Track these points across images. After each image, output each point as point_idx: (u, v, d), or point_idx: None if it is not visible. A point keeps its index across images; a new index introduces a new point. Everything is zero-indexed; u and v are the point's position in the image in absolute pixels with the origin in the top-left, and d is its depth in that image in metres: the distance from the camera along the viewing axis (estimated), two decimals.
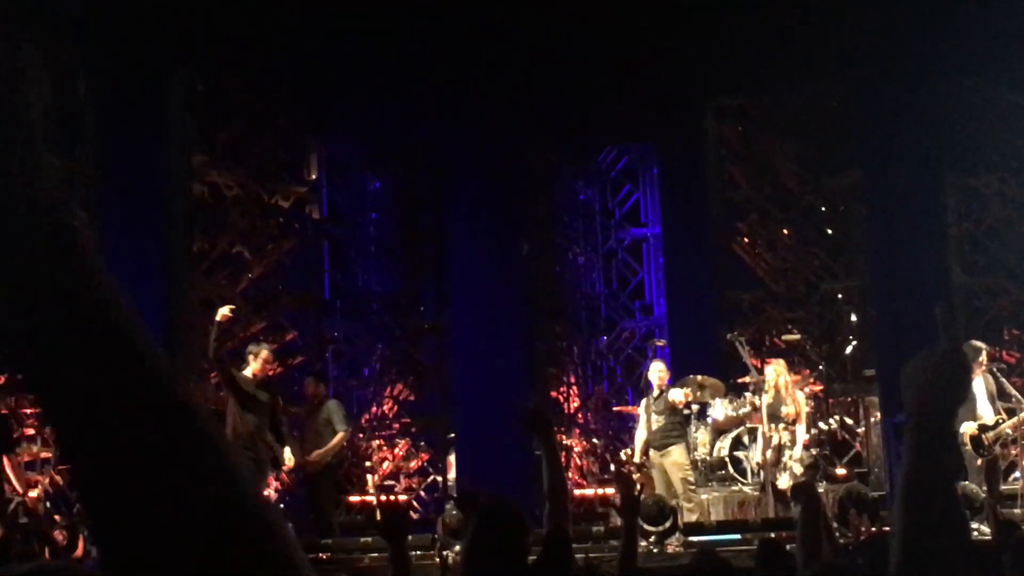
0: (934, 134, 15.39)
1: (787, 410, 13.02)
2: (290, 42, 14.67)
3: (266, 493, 13.99)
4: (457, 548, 11.18)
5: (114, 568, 1.02)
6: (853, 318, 16.11)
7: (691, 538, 11.14)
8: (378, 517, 5.66)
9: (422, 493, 16.17)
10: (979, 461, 12.19)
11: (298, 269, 15.94)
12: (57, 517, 12.32)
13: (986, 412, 12.29)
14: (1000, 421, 12.28)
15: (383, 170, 17.37)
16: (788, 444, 12.87)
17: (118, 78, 13.63)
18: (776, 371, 13.31)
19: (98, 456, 1.04)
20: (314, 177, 16.02)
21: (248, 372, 11.93)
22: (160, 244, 13.94)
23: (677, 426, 13.22)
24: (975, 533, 9.72)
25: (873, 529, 10.00)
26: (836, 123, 16.19)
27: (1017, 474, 12.96)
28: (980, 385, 12.32)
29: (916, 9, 14.45)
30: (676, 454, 12.93)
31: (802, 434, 13.01)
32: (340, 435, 13.06)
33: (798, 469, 12.77)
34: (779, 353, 16.07)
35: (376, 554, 11.58)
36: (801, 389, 13.86)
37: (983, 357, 12.53)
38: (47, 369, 1.05)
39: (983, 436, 12.19)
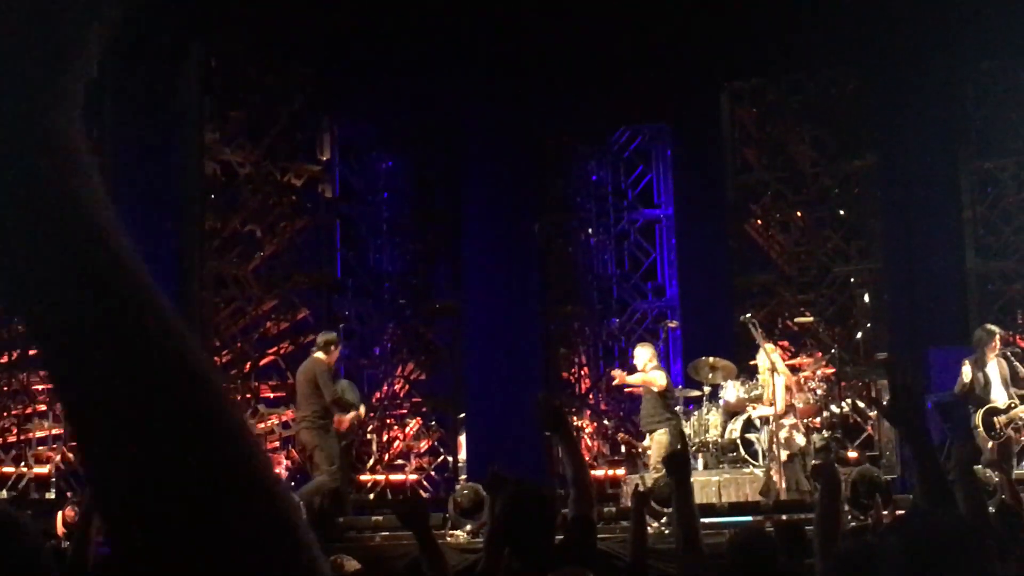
0: (950, 117, 15.36)
1: (765, 394, 13.07)
2: (305, 21, 14.64)
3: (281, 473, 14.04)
4: (468, 527, 11.21)
5: (119, 546, 1.00)
6: (866, 300, 16.07)
7: (703, 519, 11.10)
8: (396, 511, 5.89)
9: (432, 473, 16.18)
10: (991, 444, 12.18)
11: (310, 248, 15.92)
12: (69, 493, 12.35)
13: (999, 396, 12.28)
14: (1012, 405, 12.27)
15: (397, 149, 17.34)
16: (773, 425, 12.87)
17: (132, 55, 13.62)
18: (765, 353, 13.24)
19: (105, 432, 1.01)
20: (327, 156, 15.99)
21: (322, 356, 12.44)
22: (173, 222, 13.96)
23: (660, 409, 13.04)
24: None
25: (885, 512, 9.97)
26: (852, 106, 16.13)
27: None
28: (994, 369, 12.32)
29: None
30: (657, 436, 12.91)
31: (779, 411, 12.90)
32: (353, 414, 13.04)
33: (784, 454, 12.75)
34: (791, 336, 16.07)
35: (387, 533, 11.60)
36: (804, 384, 13.81)
37: (996, 341, 12.51)
38: (63, 346, 1.02)
39: (995, 419, 12.18)
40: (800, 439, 12.82)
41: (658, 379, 13.04)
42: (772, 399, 13.00)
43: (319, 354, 12.49)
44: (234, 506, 0.97)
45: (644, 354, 13.34)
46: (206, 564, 0.96)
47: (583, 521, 4.80)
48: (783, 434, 12.72)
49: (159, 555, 0.97)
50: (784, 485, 12.58)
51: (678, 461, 5.52)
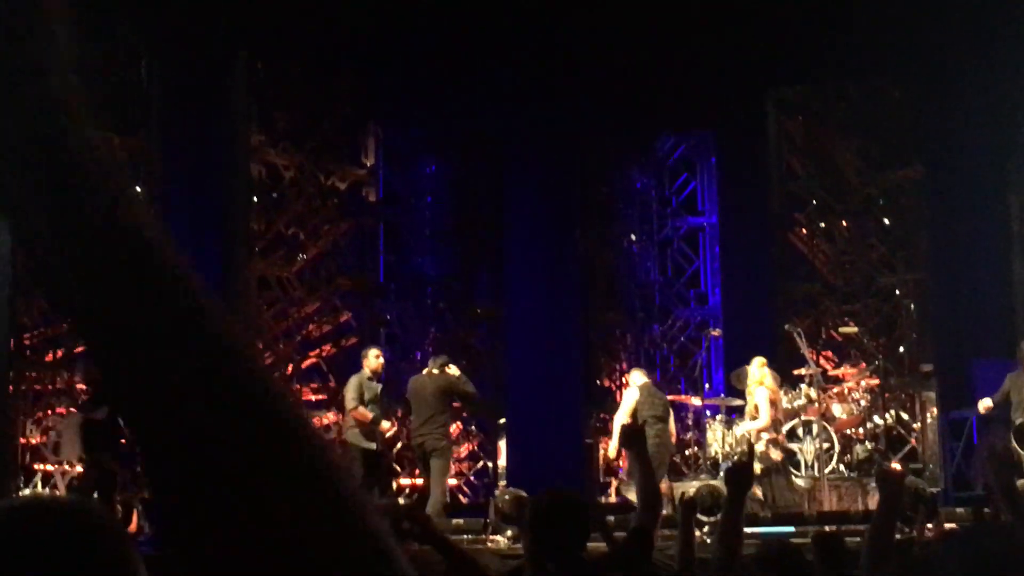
0: (998, 127, 15.19)
1: (749, 407, 12.88)
2: (351, 26, 14.68)
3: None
4: (509, 533, 11.19)
5: (175, 543, 0.99)
6: (912, 311, 15.94)
7: (745, 529, 11.03)
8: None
9: (472, 478, 16.17)
10: None
11: (353, 251, 15.98)
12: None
13: None
14: None
15: (440, 154, 17.37)
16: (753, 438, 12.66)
17: (181, 59, 13.70)
18: (757, 364, 13.00)
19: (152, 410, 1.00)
20: (372, 161, 16.03)
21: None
22: (219, 223, 14.02)
23: (649, 421, 12.83)
24: None
25: (930, 525, 9.88)
26: (898, 116, 16.02)
27: None
28: None
29: (982, 2, 14.27)
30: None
31: (762, 426, 12.69)
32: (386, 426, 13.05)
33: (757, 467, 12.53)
34: (835, 346, 15.96)
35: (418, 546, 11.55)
36: (848, 395, 13.61)
37: None
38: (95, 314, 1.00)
39: None
40: (776, 454, 12.63)
41: (622, 410, 12.97)
42: (755, 412, 12.81)
43: (435, 370, 12.77)
44: (290, 495, 0.96)
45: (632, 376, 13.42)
46: (254, 551, 0.94)
47: (643, 534, 4.83)
48: (759, 447, 12.50)
49: (206, 540, 0.95)
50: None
51: (739, 474, 5.53)
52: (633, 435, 5.48)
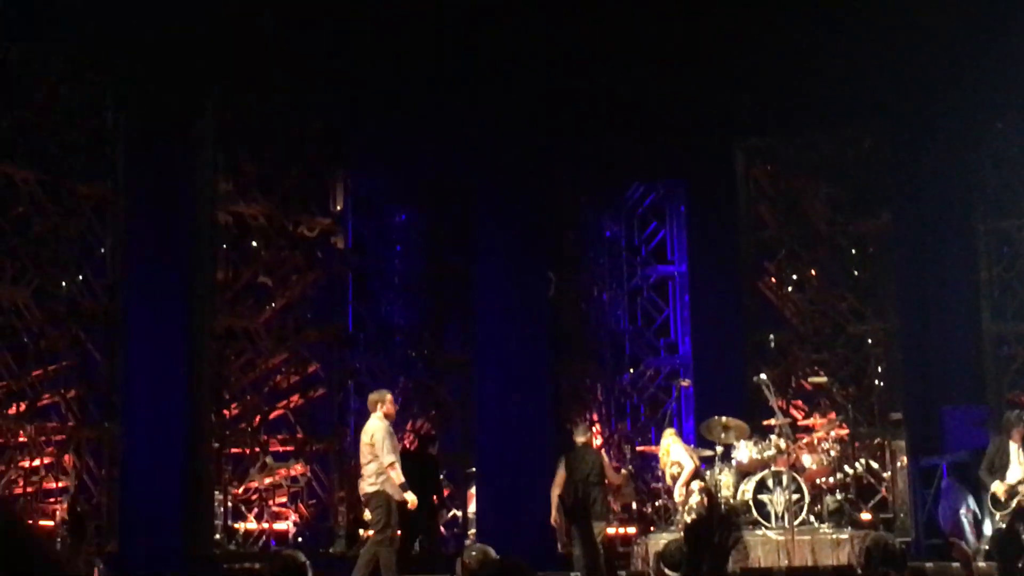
0: (966, 177, 15.28)
1: (673, 471, 12.35)
2: (321, 75, 14.63)
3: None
4: None
5: None
6: (881, 358, 15.92)
7: None
8: None
9: (442, 528, 16.02)
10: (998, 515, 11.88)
11: (322, 301, 15.82)
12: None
13: (1014, 473, 12.02)
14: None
15: (410, 203, 17.30)
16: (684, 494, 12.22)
17: (148, 106, 13.61)
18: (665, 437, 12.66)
19: None
20: (339, 208, 15.93)
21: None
22: (185, 272, 13.87)
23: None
24: None
25: None
26: (867, 165, 16.08)
27: None
28: (1015, 449, 12.03)
29: (950, 53, 14.36)
30: None
31: (690, 472, 12.27)
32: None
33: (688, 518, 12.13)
34: (805, 395, 15.93)
35: None
36: (817, 444, 13.43)
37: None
38: None
39: (999, 493, 11.91)
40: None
41: (556, 480, 12.54)
42: (679, 470, 12.18)
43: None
44: None
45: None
46: None
47: None
48: (694, 500, 11.96)
49: None
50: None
51: (696, 531, 5.49)
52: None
